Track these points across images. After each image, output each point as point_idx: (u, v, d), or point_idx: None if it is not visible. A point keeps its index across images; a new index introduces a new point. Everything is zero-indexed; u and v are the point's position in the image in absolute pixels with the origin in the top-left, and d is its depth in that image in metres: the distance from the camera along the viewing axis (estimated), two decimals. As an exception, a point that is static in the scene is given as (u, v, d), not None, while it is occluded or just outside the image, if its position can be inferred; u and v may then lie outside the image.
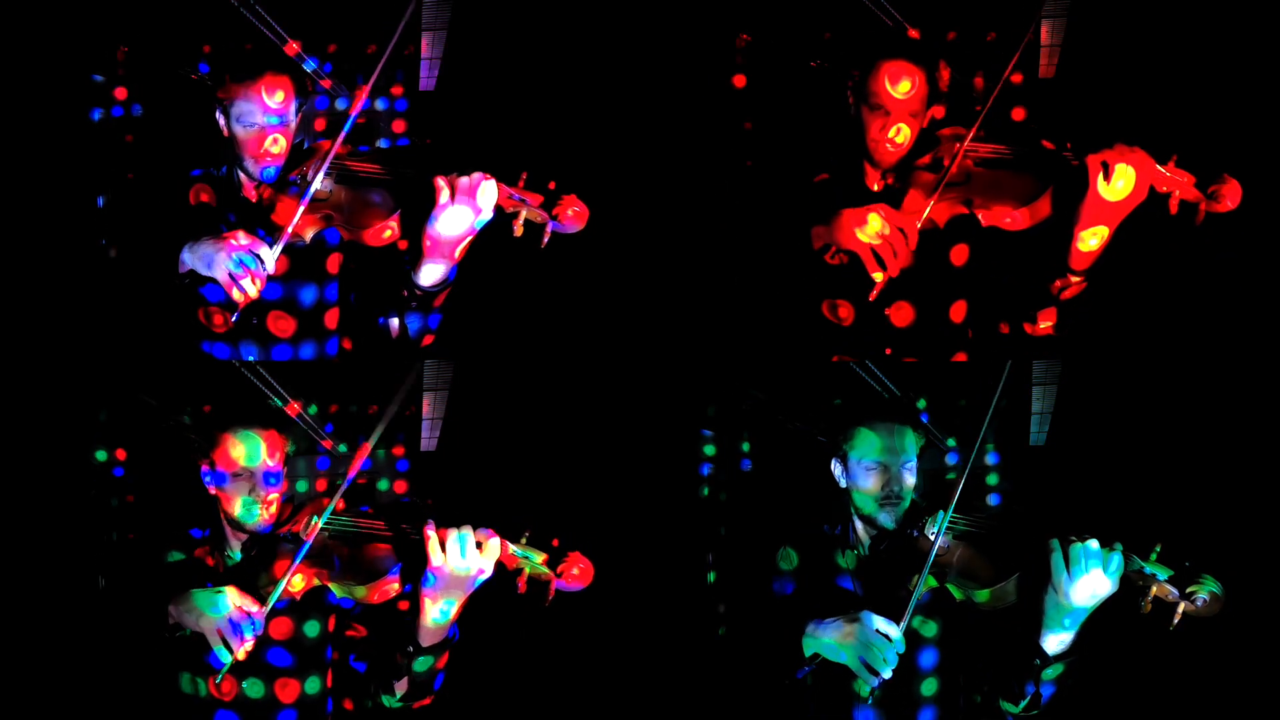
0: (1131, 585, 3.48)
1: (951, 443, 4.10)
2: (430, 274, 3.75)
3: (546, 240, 3.69)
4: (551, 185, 3.70)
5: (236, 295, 3.65)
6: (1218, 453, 4.06)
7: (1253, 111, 4.04)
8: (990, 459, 4.16)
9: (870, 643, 3.53)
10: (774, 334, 3.96)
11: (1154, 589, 3.47)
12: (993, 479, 4.15)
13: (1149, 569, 3.49)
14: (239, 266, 3.63)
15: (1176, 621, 3.47)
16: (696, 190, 4.06)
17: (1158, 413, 4.07)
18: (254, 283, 3.65)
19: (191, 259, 3.68)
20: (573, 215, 3.70)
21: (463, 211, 3.66)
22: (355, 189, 3.79)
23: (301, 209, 3.72)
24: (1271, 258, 4.03)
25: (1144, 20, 4.04)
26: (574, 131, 4.07)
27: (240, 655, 3.54)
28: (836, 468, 3.80)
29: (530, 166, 3.75)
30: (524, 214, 3.67)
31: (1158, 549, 3.50)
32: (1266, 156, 3.99)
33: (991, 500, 4.14)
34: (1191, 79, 4.04)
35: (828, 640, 3.59)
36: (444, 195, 3.65)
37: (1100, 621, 3.54)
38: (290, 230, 3.69)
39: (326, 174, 3.73)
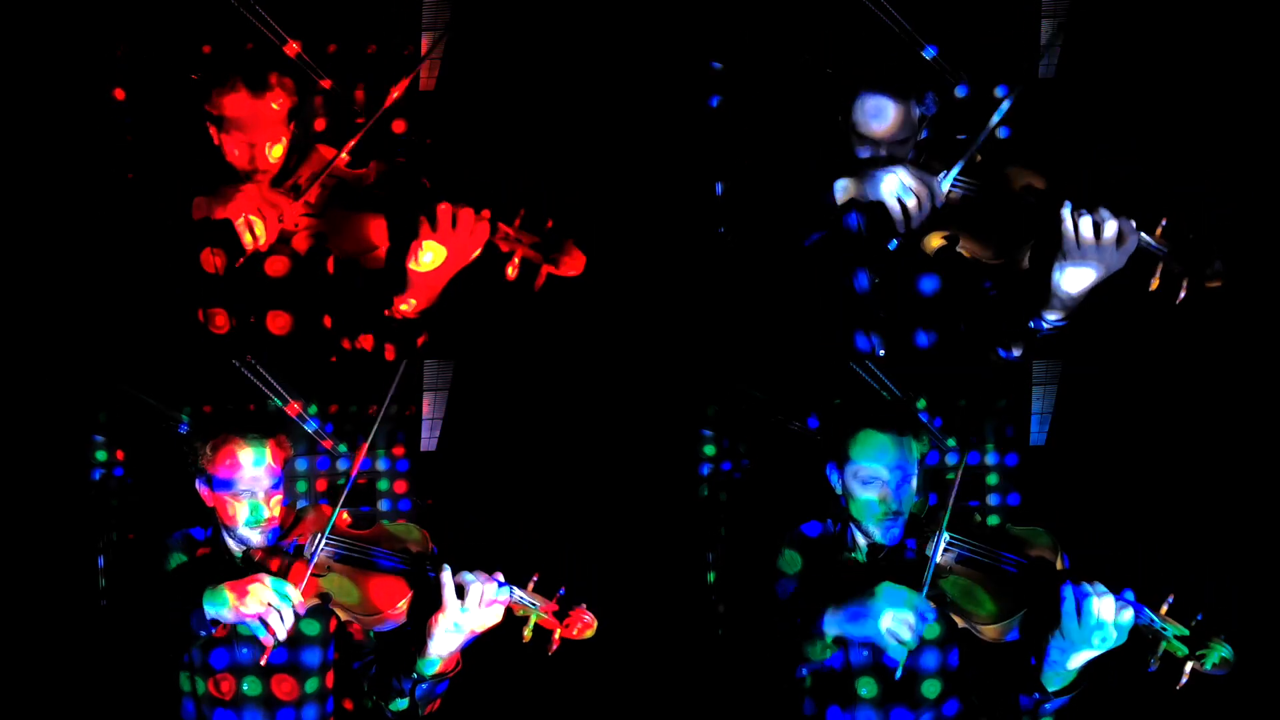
0: (1141, 638, 3.47)
1: (952, 442, 4.10)
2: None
3: (541, 283, 3.68)
4: (549, 224, 3.67)
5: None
6: (1236, 480, 4.04)
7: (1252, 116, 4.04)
8: (990, 459, 4.17)
9: (894, 612, 3.51)
10: (773, 333, 3.97)
11: (1163, 646, 3.45)
12: (993, 479, 4.16)
13: (1159, 624, 3.47)
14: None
15: (1184, 681, 3.45)
16: (696, 189, 4.06)
17: (1171, 436, 4.05)
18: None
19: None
20: (572, 263, 3.68)
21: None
22: (356, 212, 3.80)
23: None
24: (1265, 256, 4.04)
25: (1143, 21, 4.05)
26: (572, 131, 4.07)
27: (270, 646, 3.53)
28: (832, 475, 3.78)
29: (528, 165, 3.75)
30: (520, 253, 3.66)
31: (1170, 600, 3.48)
32: (1266, 158, 4.00)
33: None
34: (1189, 83, 4.05)
35: (851, 617, 3.57)
36: (443, 219, 3.64)
37: (1104, 666, 3.53)
38: None
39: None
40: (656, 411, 4.11)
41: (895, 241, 3.67)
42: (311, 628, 3.74)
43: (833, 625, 3.60)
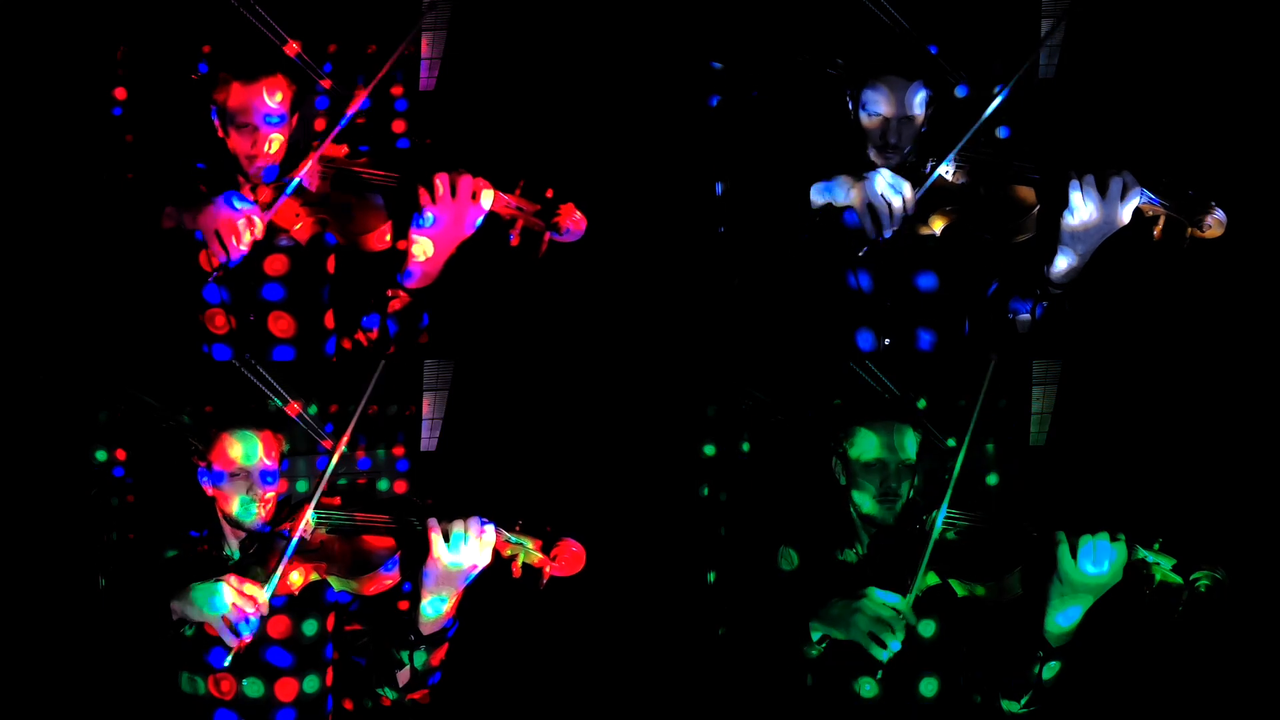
0: (1136, 575, 3.52)
1: (952, 443, 4.09)
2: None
3: (544, 250, 3.70)
4: (549, 193, 3.70)
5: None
6: (1214, 444, 4.06)
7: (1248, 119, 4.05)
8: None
9: (877, 616, 3.54)
10: (774, 334, 3.97)
11: (1158, 576, 3.50)
12: (993, 479, 4.15)
13: (1152, 558, 3.52)
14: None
15: (1180, 609, 3.50)
16: (695, 189, 4.06)
17: (1154, 407, 4.08)
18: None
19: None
20: (573, 224, 3.70)
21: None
22: (357, 197, 3.81)
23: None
24: (1263, 254, 4.03)
25: (1141, 26, 4.05)
26: (573, 131, 4.08)
27: (236, 646, 3.53)
28: (836, 466, 3.81)
29: (528, 166, 3.75)
30: (521, 222, 3.69)
31: (1160, 541, 3.52)
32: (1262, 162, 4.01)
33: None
34: (1186, 89, 4.05)
35: (835, 620, 3.59)
36: (441, 189, 3.66)
37: (1103, 612, 3.57)
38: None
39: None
40: (657, 411, 4.11)
41: (866, 249, 3.71)
42: (311, 627, 3.75)
43: (818, 627, 3.62)
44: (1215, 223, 3.62)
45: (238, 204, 3.68)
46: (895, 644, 3.54)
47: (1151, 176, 3.64)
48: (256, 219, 3.68)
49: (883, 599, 3.57)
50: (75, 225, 3.94)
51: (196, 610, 3.52)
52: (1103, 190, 3.60)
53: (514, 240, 3.72)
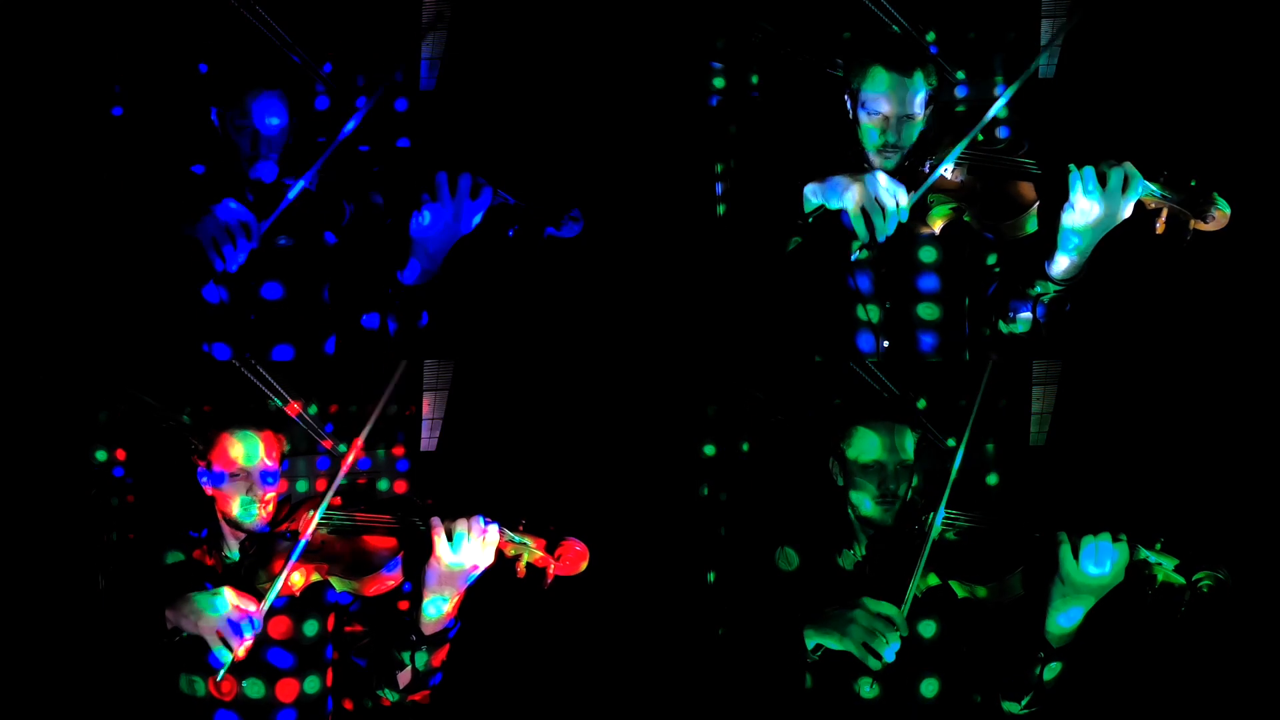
0: (1138, 575, 3.52)
1: (951, 443, 4.09)
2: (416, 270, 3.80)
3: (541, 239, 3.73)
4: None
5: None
6: (1215, 444, 4.07)
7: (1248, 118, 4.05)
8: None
9: (872, 627, 3.54)
10: (774, 334, 3.97)
11: (1160, 576, 3.51)
12: (993, 479, 4.16)
13: (1154, 558, 3.52)
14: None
15: (1183, 610, 3.50)
16: (695, 189, 4.06)
17: (1156, 407, 4.08)
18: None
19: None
20: (571, 220, 3.73)
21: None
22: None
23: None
24: (1264, 255, 4.04)
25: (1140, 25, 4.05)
26: (573, 131, 4.08)
27: (240, 654, 3.53)
28: (834, 466, 3.81)
29: (528, 166, 3.76)
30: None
31: (1161, 541, 3.53)
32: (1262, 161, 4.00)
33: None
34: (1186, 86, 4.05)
35: (830, 629, 3.59)
36: (441, 187, 3.69)
37: (1104, 613, 3.58)
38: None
39: None
40: (657, 411, 4.11)
41: (857, 255, 3.70)
42: (311, 628, 3.75)
43: (812, 635, 3.62)
44: (1219, 214, 3.59)
45: (232, 211, 3.69)
46: (890, 654, 3.55)
47: (1153, 169, 3.62)
48: (250, 226, 3.69)
49: (877, 608, 3.57)
50: (75, 225, 3.94)
51: (192, 621, 3.52)
52: (1104, 183, 3.58)
53: (514, 236, 3.73)
